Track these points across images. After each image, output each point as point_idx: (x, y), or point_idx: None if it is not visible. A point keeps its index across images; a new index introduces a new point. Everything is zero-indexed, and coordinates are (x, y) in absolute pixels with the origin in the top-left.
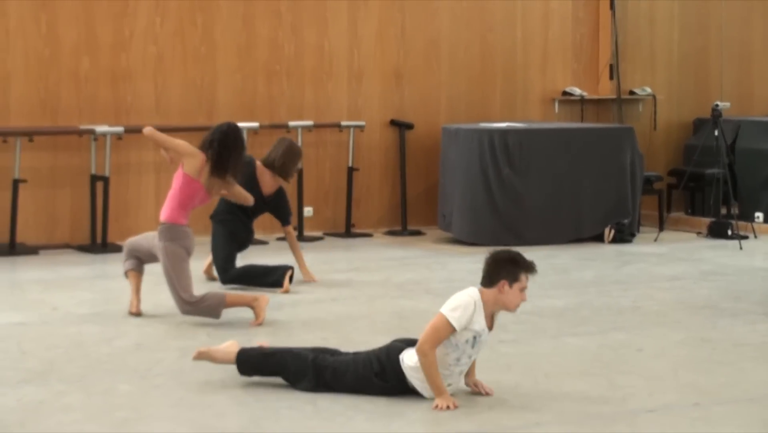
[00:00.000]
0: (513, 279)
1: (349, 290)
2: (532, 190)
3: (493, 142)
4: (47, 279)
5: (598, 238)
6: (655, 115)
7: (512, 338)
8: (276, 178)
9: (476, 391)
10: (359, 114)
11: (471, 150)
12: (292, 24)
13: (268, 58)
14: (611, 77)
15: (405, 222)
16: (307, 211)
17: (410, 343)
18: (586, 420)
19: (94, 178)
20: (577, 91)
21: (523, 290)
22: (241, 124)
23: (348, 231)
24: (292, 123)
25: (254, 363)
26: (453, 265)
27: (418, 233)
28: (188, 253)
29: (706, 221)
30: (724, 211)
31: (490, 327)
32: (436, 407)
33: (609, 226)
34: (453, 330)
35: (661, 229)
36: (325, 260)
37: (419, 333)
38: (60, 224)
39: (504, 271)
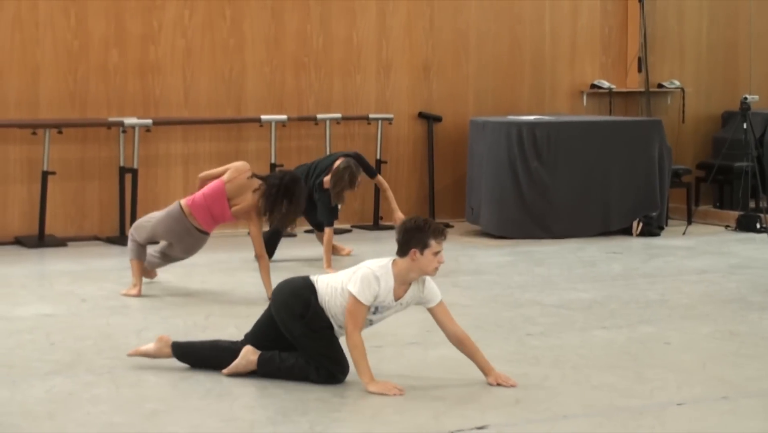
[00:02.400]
0: (422, 246)
1: None
2: (560, 183)
3: (522, 135)
4: (76, 271)
5: (626, 231)
6: (684, 108)
7: (540, 331)
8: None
9: (497, 384)
10: (387, 107)
11: (499, 143)
12: (320, 16)
13: (297, 51)
14: (640, 70)
15: (433, 214)
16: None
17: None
18: (614, 413)
19: (122, 171)
20: (605, 84)
21: (436, 253)
22: (269, 117)
23: (376, 223)
24: (320, 116)
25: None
26: (481, 257)
27: (446, 226)
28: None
29: (735, 214)
30: (752, 204)
31: (400, 296)
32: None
33: (637, 219)
34: (365, 306)
35: (689, 222)
36: (353, 253)
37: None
38: (89, 216)
39: (413, 239)
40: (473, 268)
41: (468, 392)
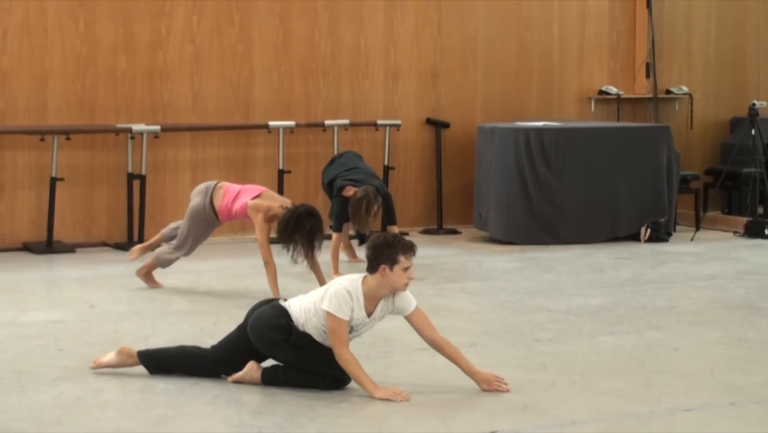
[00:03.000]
0: (392, 262)
1: None
2: (568, 189)
3: (530, 141)
4: (84, 277)
5: (634, 237)
6: (692, 114)
7: (548, 337)
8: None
9: (492, 390)
10: (395, 113)
11: (507, 149)
12: (328, 22)
13: (305, 57)
14: (648, 76)
15: (441, 221)
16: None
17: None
18: (622, 419)
19: (130, 177)
20: (613, 90)
21: (406, 269)
22: (277, 123)
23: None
24: (328, 122)
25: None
26: (488, 263)
27: (453, 232)
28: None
29: (743, 220)
30: (760, 210)
31: (371, 312)
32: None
33: (645, 225)
34: (345, 321)
35: (697, 228)
36: (360, 258)
37: (456, 333)
38: (97, 222)
39: (382, 256)
40: (481, 274)
41: (476, 397)
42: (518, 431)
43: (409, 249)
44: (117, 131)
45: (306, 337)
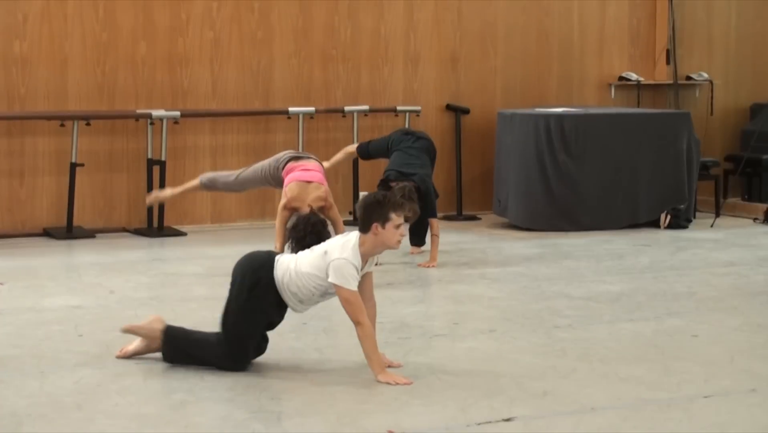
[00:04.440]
0: (383, 219)
1: (404, 274)
2: (588, 176)
3: (549, 127)
4: (104, 263)
5: (654, 223)
6: (712, 100)
7: (568, 324)
8: None
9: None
10: (415, 99)
11: (527, 135)
12: (348, 8)
13: (325, 43)
14: (668, 62)
15: (460, 207)
16: (363, 195)
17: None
18: (642, 406)
19: (150, 162)
20: (633, 76)
21: (398, 226)
22: (297, 109)
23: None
24: (347, 108)
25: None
26: (508, 250)
27: (473, 218)
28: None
29: (763, 206)
30: None
31: (362, 267)
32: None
33: (665, 211)
34: (356, 290)
35: (717, 215)
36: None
37: (475, 320)
38: (117, 207)
39: (374, 214)
40: (501, 260)
41: (495, 384)
42: (538, 417)
43: (400, 206)
44: (137, 117)
45: (268, 297)
